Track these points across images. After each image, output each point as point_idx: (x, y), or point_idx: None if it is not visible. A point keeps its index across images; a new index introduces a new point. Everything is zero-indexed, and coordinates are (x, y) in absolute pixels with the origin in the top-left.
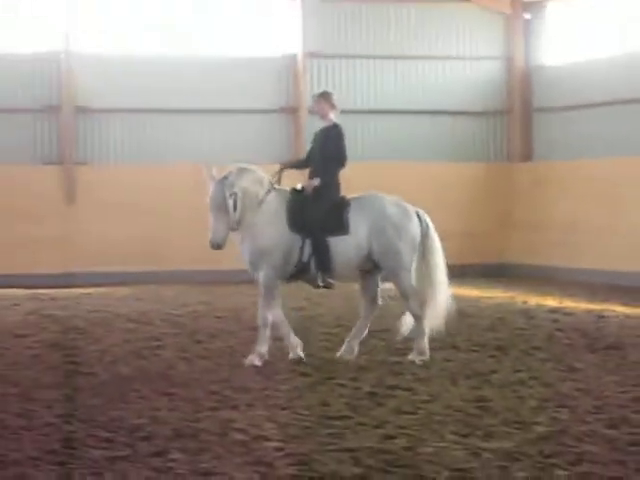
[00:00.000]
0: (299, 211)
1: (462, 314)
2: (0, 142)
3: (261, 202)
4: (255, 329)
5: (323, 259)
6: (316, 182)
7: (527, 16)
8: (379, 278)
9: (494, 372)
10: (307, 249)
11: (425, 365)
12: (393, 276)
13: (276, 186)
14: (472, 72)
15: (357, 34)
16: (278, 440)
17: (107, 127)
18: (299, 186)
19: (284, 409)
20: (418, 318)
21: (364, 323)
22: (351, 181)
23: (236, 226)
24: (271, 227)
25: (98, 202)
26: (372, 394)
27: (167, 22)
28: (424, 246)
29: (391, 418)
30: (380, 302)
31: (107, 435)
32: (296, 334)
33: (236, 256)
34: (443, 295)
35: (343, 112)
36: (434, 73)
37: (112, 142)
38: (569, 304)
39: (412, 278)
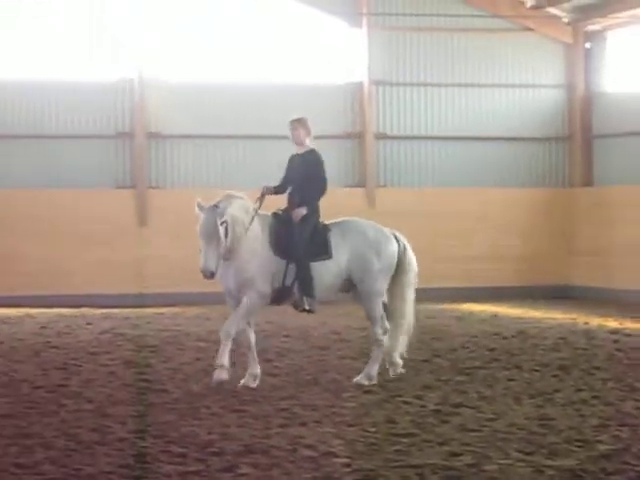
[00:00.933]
0: (283, 236)
1: (525, 335)
2: (76, 167)
3: (247, 229)
4: (323, 348)
5: (307, 284)
6: (304, 211)
7: (588, 45)
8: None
9: (557, 391)
10: (290, 273)
11: (489, 384)
12: (365, 299)
13: (259, 212)
14: (534, 99)
15: (422, 62)
16: (346, 456)
17: (178, 152)
18: (279, 211)
19: (351, 426)
20: (379, 344)
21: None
22: (415, 206)
23: (228, 254)
24: (256, 253)
25: (169, 225)
26: (437, 412)
27: (236, 50)
28: (401, 266)
29: (456, 435)
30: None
31: (179, 450)
32: (361, 353)
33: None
34: (411, 313)
35: (405, 138)
36: (497, 100)
37: (183, 167)
38: (629, 325)
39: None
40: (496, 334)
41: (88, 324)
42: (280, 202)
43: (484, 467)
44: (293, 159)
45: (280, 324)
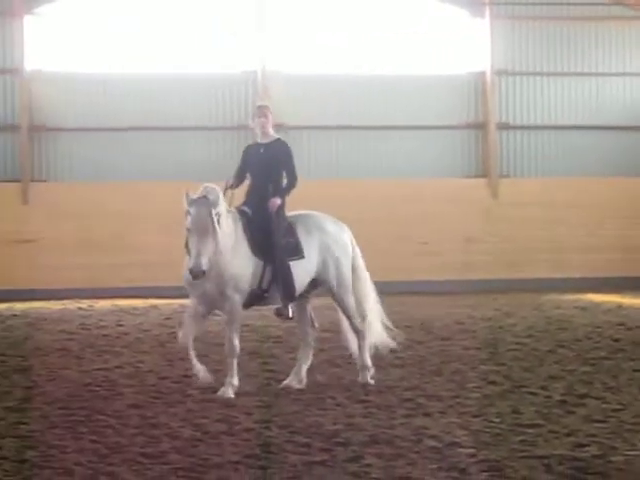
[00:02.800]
0: (260, 234)
1: None
2: (198, 160)
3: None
4: (447, 339)
5: (290, 286)
6: (279, 201)
7: None
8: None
9: None
10: (267, 275)
11: (614, 375)
12: (341, 294)
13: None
14: None
15: (544, 51)
16: (470, 447)
17: (300, 143)
18: (244, 207)
19: (476, 416)
20: (363, 335)
21: (308, 351)
22: (537, 196)
23: (221, 251)
24: (237, 252)
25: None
26: (562, 402)
27: (357, 42)
28: (353, 261)
29: (582, 426)
30: (316, 325)
31: (304, 440)
32: (485, 344)
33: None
34: (376, 308)
35: (528, 128)
36: (619, 89)
37: (306, 157)
38: None
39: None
40: (621, 324)
41: (213, 315)
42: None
43: (610, 458)
44: (254, 149)
45: (404, 314)
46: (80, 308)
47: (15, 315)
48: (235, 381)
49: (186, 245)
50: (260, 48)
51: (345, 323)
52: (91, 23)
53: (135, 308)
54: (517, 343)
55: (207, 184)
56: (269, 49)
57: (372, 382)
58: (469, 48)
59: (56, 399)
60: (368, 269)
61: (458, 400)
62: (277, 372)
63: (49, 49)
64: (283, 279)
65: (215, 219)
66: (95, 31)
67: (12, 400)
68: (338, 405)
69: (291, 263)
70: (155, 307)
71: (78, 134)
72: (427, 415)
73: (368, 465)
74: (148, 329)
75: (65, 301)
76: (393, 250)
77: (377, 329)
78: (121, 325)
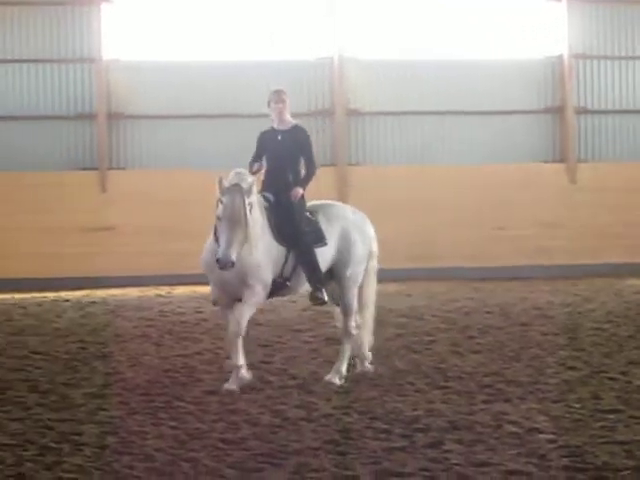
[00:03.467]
0: (284, 220)
1: None
2: None
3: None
4: (525, 324)
5: (317, 272)
6: (301, 190)
7: None
8: None
9: None
10: (290, 263)
11: None
12: (346, 288)
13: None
14: None
15: (622, 35)
16: (551, 432)
17: (377, 129)
18: (268, 194)
19: (555, 402)
20: (349, 337)
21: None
22: (616, 181)
23: (253, 241)
24: (261, 240)
25: (369, 201)
26: None
27: (434, 26)
28: (369, 261)
29: None
30: None
31: (384, 427)
32: (564, 329)
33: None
34: (374, 301)
35: (606, 112)
36: None
37: (382, 143)
38: None
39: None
40: None
41: (290, 301)
42: None
43: None
44: (271, 135)
45: (481, 300)
46: (159, 295)
47: (94, 302)
48: (239, 361)
49: (215, 232)
50: (335, 34)
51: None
52: (167, 10)
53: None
54: (596, 329)
55: (238, 169)
56: (344, 35)
57: (339, 383)
58: (546, 32)
59: (136, 385)
60: (445, 255)
61: (537, 386)
62: (354, 358)
63: (126, 37)
64: (311, 263)
65: (248, 209)
66: (171, 18)
67: (92, 386)
68: (417, 391)
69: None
70: None
71: (156, 121)
72: (507, 401)
73: (448, 451)
74: None
75: (144, 288)
76: (470, 236)
77: (364, 343)
78: (200, 312)
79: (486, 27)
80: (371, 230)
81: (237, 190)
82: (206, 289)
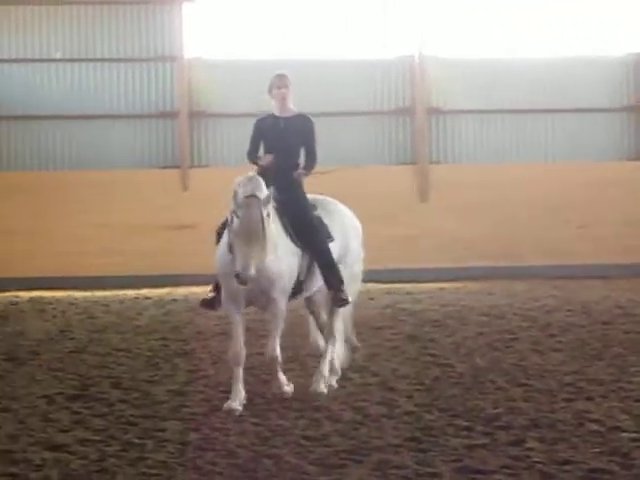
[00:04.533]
0: (293, 219)
1: None
2: (354, 144)
3: None
4: (607, 322)
5: (335, 271)
6: (304, 172)
7: None
8: None
9: None
10: (304, 264)
11: None
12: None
13: None
14: None
15: None
16: (633, 431)
17: (458, 127)
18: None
19: (638, 401)
20: (333, 340)
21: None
22: None
23: (273, 251)
24: (279, 246)
25: (450, 200)
26: None
27: (513, 25)
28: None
29: None
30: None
31: (465, 424)
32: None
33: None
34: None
35: None
36: None
37: (463, 142)
38: None
39: None
40: None
41: (370, 299)
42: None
43: None
44: (272, 123)
45: (562, 298)
46: None
47: (175, 300)
48: (283, 383)
49: (230, 246)
50: (416, 32)
51: (313, 323)
52: (247, 8)
53: None
54: None
55: (250, 174)
56: (425, 33)
57: (326, 391)
58: (627, 29)
59: (218, 383)
60: (526, 253)
61: (620, 384)
62: (436, 356)
63: (207, 35)
64: (329, 262)
65: (266, 221)
66: (251, 17)
67: (175, 383)
68: (498, 389)
69: None
70: None
71: (237, 119)
72: (589, 399)
73: (530, 449)
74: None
75: None
76: (551, 234)
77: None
78: None
79: (567, 24)
80: (360, 227)
81: (254, 203)
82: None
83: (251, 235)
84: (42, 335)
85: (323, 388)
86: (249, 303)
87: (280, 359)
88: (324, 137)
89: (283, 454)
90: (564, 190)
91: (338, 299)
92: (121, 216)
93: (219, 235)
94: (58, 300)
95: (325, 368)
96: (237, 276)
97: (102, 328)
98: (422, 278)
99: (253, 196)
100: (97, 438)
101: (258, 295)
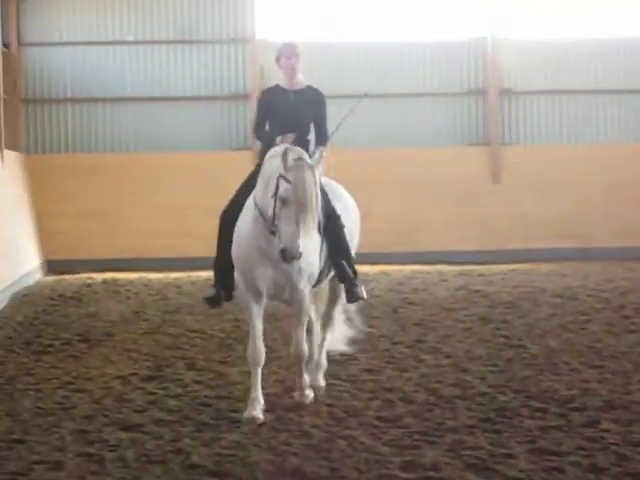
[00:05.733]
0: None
1: None
2: (427, 126)
3: None
4: None
5: (351, 261)
6: (324, 150)
7: None
8: None
9: None
10: (323, 254)
11: None
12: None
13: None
14: None
15: None
16: None
17: (531, 109)
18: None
19: None
20: (332, 329)
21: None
22: None
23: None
24: None
25: (523, 181)
26: None
27: (576, 6)
28: None
29: None
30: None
31: (539, 405)
32: None
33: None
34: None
35: None
36: None
37: (536, 123)
38: None
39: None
40: None
41: (443, 281)
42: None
43: None
44: (280, 96)
45: (637, 280)
46: None
47: None
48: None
49: (273, 218)
50: (488, 14)
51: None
52: None
53: (366, 274)
54: None
55: (286, 145)
56: (498, 15)
57: (324, 384)
58: None
59: (291, 364)
60: (599, 234)
61: None
62: (509, 337)
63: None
64: (348, 251)
65: (319, 189)
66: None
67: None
68: (572, 370)
69: None
70: (385, 273)
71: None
72: None
73: (604, 430)
74: (379, 295)
75: None
76: (623, 215)
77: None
78: None
79: (608, 5)
80: (359, 214)
81: (308, 166)
82: (360, 268)
83: (305, 201)
84: (116, 316)
85: (322, 382)
86: (270, 296)
87: (307, 356)
88: (397, 119)
89: (357, 435)
90: (637, 170)
91: (353, 294)
92: (195, 198)
93: (226, 218)
94: (132, 281)
95: (323, 359)
96: (283, 252)
97: (175, 309)
98: (494, 259)
99: (303, 160)
100: (172, 419)
101: (284, 285)
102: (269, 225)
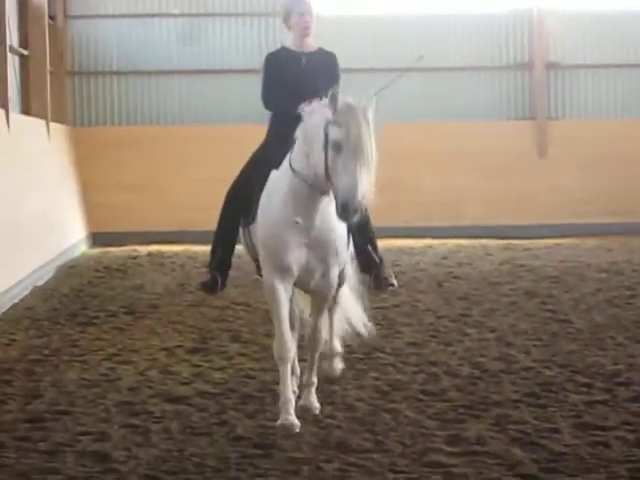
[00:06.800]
0: None
1: None
2: (472, 99)
3: None
4: None
5: (376, 248)
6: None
7: None
8: None
9: None
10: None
11: None
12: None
13: None
14: None
15: None
16: None
17: (577, 83)
18: None
19: None
20: (338, 308)
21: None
22: None
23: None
24: (332, 211)
25: (568, 156)
26: None
27: None
28: None
29: None
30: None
31: (585, 380)
32: None
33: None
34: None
35: None
36: None
37: (582, 97)
38: None
39: None
40: None
41: (488, 255)
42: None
43: None
44: (291, 59)
45: None
46: None
47: None
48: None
49: (327, 173)
50: None
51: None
52: None
53: (412, 248)
54: None
55: (320, 102)
56: None
57: (340, 367)
58: None
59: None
60: (631, 210)
61: None
62: (555, 312)
63: None
64: (374, 236)
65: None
66: None
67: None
68: (618, 345)
69: None
70: (431, 247)
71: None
72: None
73: None
74: (424, 268)
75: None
76: None
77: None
78: (398, 265)
79: None
80: None
81: (361, 110)
82: (404, 242)
83: (360, 146)
84: (161, 289)
85: (340, 367)
86: (301, 280)
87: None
88: (443, 92)
89: (401, 408)
90: None
91: (380, 282)
92: (236, 171)
93: (238, 192)
94: (177, 254)
95: (337, 344)
96: (344, 207)
97: None
98: (540, 234)
99: (361, 107)
100: (216, 391)
101: (313, 271)
102: (321, 184)
